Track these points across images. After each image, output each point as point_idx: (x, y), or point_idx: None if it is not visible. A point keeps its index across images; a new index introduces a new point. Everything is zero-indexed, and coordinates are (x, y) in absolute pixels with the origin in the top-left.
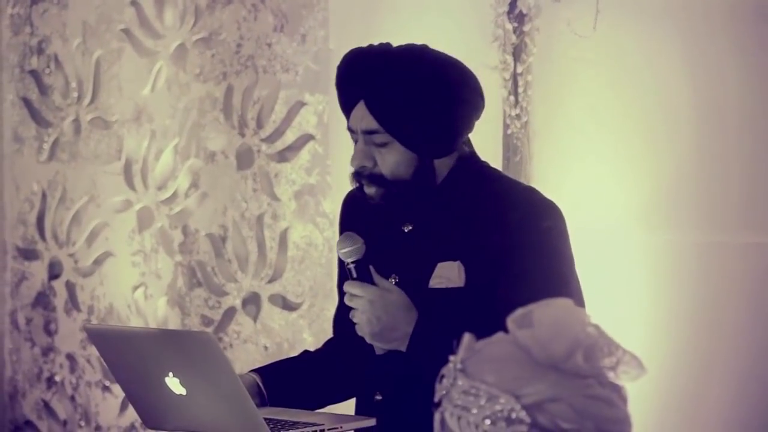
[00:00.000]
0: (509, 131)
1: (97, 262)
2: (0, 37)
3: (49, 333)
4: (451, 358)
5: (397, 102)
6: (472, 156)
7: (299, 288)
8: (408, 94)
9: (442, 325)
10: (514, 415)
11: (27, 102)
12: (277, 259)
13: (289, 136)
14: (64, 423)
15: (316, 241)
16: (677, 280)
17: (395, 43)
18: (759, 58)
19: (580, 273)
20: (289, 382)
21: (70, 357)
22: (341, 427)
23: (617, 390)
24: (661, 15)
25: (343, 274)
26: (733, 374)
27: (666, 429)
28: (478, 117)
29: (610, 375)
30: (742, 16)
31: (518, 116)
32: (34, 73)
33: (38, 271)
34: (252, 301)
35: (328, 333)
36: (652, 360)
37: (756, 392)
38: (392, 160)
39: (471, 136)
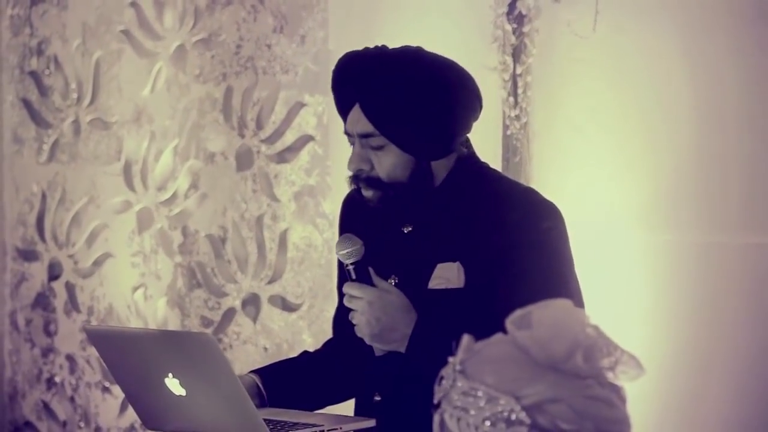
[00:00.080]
0: (509, 132)
1: (97, 263)
2: (0, 38)
3: (49, 334)
4: (451, 359)
5: (392, 105)
6: (472, 157)
7: (299, 289)
8: (403, 96)
9: (441, 326)
10: (513, 416)
11: (27, 103)
12: (276, 260)
13: (289, 137)
14: (64, 424)
15: (316, 242)
16: (677, 281)
17: (394, 44)
18: (758, 58)
19: (580, 273)
20: (288, 383)
21: (70, 358)
22: (341, 428)
23: (616, 390)
24: (661, 16)
25: (343, 275)
26: (732, 374)
27: (665, 429)
28: (475, 118)
29: (609, 375)
30: (742, 17)
31: (518, 117)
32: (34, 74)
33: (38, 272)
34: (252, 302)
35: (328, 334)
36: (652, 360)
37: (755, 392)
38: (389, 162)
39: (470, 136)
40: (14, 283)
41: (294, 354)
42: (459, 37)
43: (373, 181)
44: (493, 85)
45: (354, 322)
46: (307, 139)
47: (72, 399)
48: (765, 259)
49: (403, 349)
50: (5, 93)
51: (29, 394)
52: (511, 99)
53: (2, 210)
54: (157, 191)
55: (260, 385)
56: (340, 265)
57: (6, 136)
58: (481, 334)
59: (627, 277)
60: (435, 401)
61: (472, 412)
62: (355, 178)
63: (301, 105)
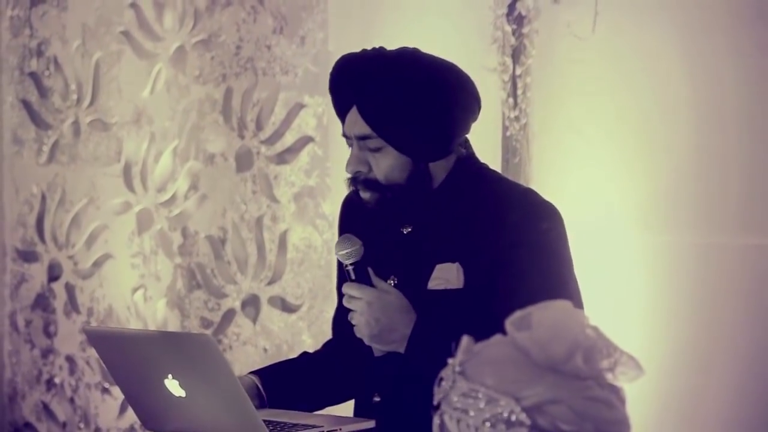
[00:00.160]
0: (508, 133)
1: (97, 264)
2: (0, 39)
3: (49, 335)
4: (450, 360)
5: (389, 107)
6: (471, 158)
7: (298, 290)
8: (400, 98)
9: (440, 326)
10: (513, 417)
11: (26, 104)
12: (276, 261)
13: (289, 138)
14: (64, 425)
15: (316, 243)
16: (676, 281)
17: (394, 45)
18: (757, 59)
19: (579, 274)
20: (288, 383)
21: (70, 359)
22: (340, 429)
23: (616, 391)
24: (660, 17)
25: (342, 276)
26: (731, 375)
27: (665, 430)
28: (474, 119)
29: (609, 376)
30: (740, 17)
31: (517, 118)
32: (34, 76)
33: (38, 273)
34: (251, 303)
35: (328, 335)
36: (651, 361)
37: (755, 393)
38: (386, 164)
39: (470, 137)
40: (14, 284)
41: (294, 355)
42: (458, 38)
43: (370, 183)
44: (493, 86)
45: (353, 322)
46: (306, 140)
47: (72, 400)
48: (764, 260)
49: (402, 350)
50: (5, 94)
51: (29, 395)
52: (511, 100)
53: (2, 211)
54: (156, 192)
55: (260, 386)
56: (340, 265)
57: (6, 137)
58: (480, 334)
59: (626, 277)
60: (435, 402)
61: (472, 414)
62: (353, 180)
63: (301, 106)
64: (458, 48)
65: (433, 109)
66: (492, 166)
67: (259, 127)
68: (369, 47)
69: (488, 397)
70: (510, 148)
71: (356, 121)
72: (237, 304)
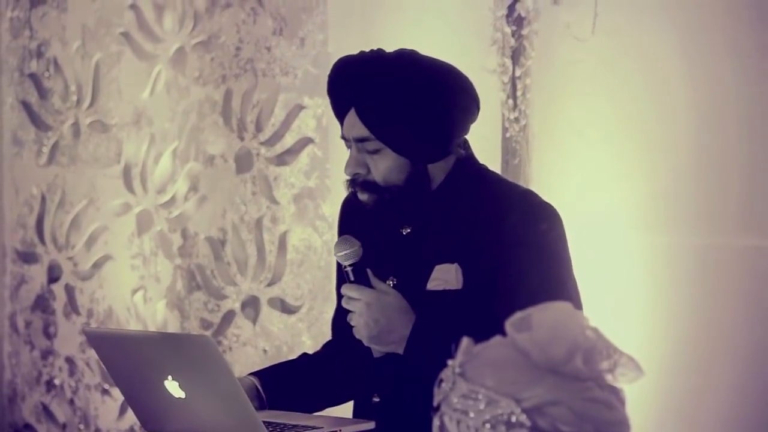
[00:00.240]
0: (508, 134)
1: (97, 265)
2: (0, 41)
3: (49, 336)
4: (450, 362)
5: (387, 109)
6: (470, 159)
7: (298, 291)
8: (398, 100)
9: (439, 327)
10: (513, 419)
11: (26, 105)
12: (276, 263)
13: (288, 140)
14: (64, 426)
15: (315, 245)
16: (675, 282)
17: (394, 47)
18: (756, 60)
19: (579, 275)
20: (287, 385)
21: (70, 360)
22: (340, 430)
23: (616, 392)
24: (659, 18)
25: (342, 277)
26: (731, 376)
27: (665, 431)
28: (472, 121)
29: (609, 378)
30: (740, 18)
31: (517, 119)
32: (34, 77)
33: (37, 274)
34: (251, 305)
35: (327, 336)
36: (651, 362)
37: (754, 394)
38: (384, 166)
39: (470, 139)
40: (14, 286)
41: (293, 356)
42: (458, 40)
43: (369, 185)
44: (493, 88)
45: (352, 323)
46: (306, 141)
47: (71, 401)
48: (763, 261)
49: (401, 351)
50: (5, 95)
51: (29, 397)
52: (510, 101)
53: (2, 212)
54: (156, 194)
55: (259, 388)
56: (339, 266)
57: (6, 138)
58: (479, 335)
59: (626, 278)
60: (434, 404)
61: (472, 415)
62: (352, 182)
63: (301, 107)
64: (458, 49)
65: (431, 111)
66: (492, 168)
67: (258, 128)
68: (368, 49)
69: (488, 399)
70: (509, 150)
71: (354, 124)
72: (237, 306)
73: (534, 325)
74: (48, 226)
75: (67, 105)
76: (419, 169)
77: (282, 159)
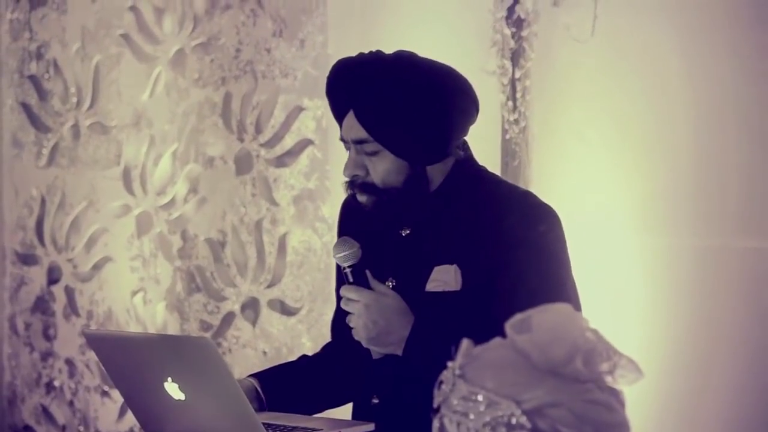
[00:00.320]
0: (508, 136)
1: (96, 267)
2: None
3: (48, 338)
4: (450, 364)
5: (386, 111)
6: (469, 160)
7: (298, 293)
8: (396, 102)
9: (438, 328)
10: (514, 421)
11: (26, 107)
12: (275, 264)
13: (288, 141)
14: (63, 428)
15: (315, 246)
16: (675, 284)
17: (394, 48)
18: (756, 61)
19: (578, 276)
20: (287, 386)
21: (69, 362)
22: None
23: (615, 394)
24: (659, 19)
25: (341, 279)
26: (730, 378)
27: None
28: (471, 123)
29: (608, 379)
30: (739, 20)
31: (516, 121)
32: (34, 79)
33: (37, 276)
34: (251, 306)
35: (327, 337)
36: (650, 364)
37: (753, 395)
38: (383, 168)
39: (469, 141)
40: (13, 287)
41: (293, 358)
42: (458, 42)
43: (368, 187)
44: (492, 89)
45: (351, 325)
46: (306, 143)
47: (71, 403)
48: (762, 262)
49: (400, 352)
50: (5, 97)
51: (28, 399)
52: (510, 103)
53: (1, 214)
54: (156, 195)
55: (259, 389)
56: (339, 268)
57: (5, 140)
58: (477, 336)
59: (625, 280)
60: (434, 406)
61: (472, 417)
62: (351, 184)
63: (301, 109)
64: (457, 51)
65: (430, 113)
66: (491, 169)
67: (258, 130)
68: (368, 50)
69: (488, 401)
70: (509, 151)
71: (353, 125)
72: (236, 307)
73: (534, 327)
74: (48, 227)
75: (67, 107)
76: (418, 170)
77: (282, 161)
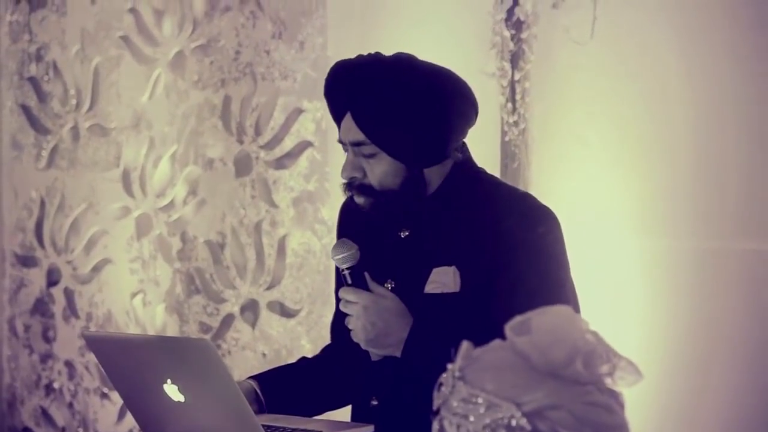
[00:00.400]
0: (507, 138)
1: (96, 269)
2: None
3: (48, 340)
4: (449, 366)
5: (383, 113)
6: (468, 162)
7: (297, 295)
8: (394, 105)
9: (436, 330)
10: (514, 423)
11: (26, 109)
12: (275, 266)
13: (288, 143)
14: (63, 430)
15: (315, 248)
16: (674, 286)
17: (393, 50)
18: (756, 63)
19: (578, 278)
20: (287, 388)
21: (69, 364)
22: None
23: (615, 396)
24: (658, 21)
25: (340, 281)
26: (730, 380)
27: None
28: (470, 126)
29: (608, 381)
30: (739, 22)
31: (516, 123)
32: (33, 80)
33: (37, 278)
34: (250, 308)
35: (326, 339)
36: (649, 366)
37: (753, 397)
38: (380, 170)
39: (469, 143)
40: (13, 289)
41: (293, 360)
42: (457, 44)
43: (365, 189)
44: (492, 91)
45: (349, 327)
46: (305, 145)
47: (71, 405)
48: (762, 265)
49: (398, 354)
50: (4, 99)
51: (28, 401)
52: (510, 105)
53: (1, 216)
54: (155, 197)
55: (258, 391)
56: (338, 270)
57: (5, 141)
58: (476, 338)
59: (624, 282)
60: (434, 408)
61: (472, 419)
62: (348, 186)
63: (300, 111)
64: (457, 53)
65: (428, 116)
66: (491, 171)
67: (258, 132)
68: (367, 52)
69: (488, 403)
70: (509, 153)
71: (350, 128)
72: (236, 309)
73: (534, 329)
74: (47, 229)
75: (67, 108)
76: (415, 173)
77: (281, 162)
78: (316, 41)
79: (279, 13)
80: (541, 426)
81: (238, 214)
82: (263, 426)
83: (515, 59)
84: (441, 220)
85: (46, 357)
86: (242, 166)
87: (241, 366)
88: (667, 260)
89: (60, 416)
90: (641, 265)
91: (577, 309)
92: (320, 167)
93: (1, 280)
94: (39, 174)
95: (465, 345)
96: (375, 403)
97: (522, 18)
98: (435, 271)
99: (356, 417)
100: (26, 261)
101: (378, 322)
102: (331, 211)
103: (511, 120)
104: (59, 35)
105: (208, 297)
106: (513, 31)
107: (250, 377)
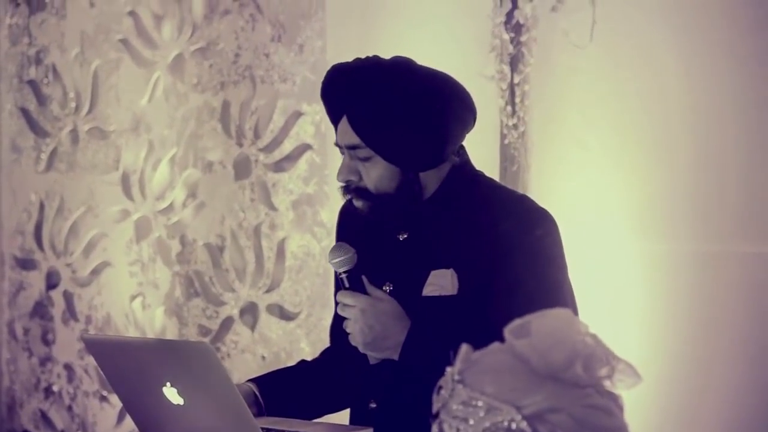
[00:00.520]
0: (506, 141)
1: (95, 272)
2: None
3: (47, 343)
4: (449, 369)
5: (379, 118)
6: (465, 165)
7: (297, 298)
8: (390, 109)
9: (434, 333)
10: (514, 426)
11: (25, 112)
12: (274, 269)
13: (287, 146)
14: None
15: (314, 251)
16: (674, 289)
17: (392, 53)
18: (755, 66)
19: (577, 281)
20: (286, 391)
21: (68, 367)
22: None
23: (614, 399)
24: (658, 24)
25: (339, 284)
26: (729, 383)
27: None
28: (468, 130)
29: (608, 384)
30: (738, 25)
31: (515, 126)
32: (33, 84)
33: (36, 281)
34: (249, 311)
35: (326, 342)
36: (649, 369)
37: (753, 400)
38: (376, 174)
39: (467, 146)
40: (12, 292)
41: (292, 363)
42: (457, 47)
43: (362, 192)
44: (491, 94)
45: (347, 330)
46: (304, 148)
47: (70, 408)
48: (761, 267)
49: (396, 357)
50: (3, 102)
51: (27, 404)
52: (509, 108)
53: (0, 219)
54: (155, 200)
55: (258, 394)
56: (336, 273)
57: (4, 145)
58: (474, 340)
59: (624, 285)
60: (434, 411)
61: (472, 422)
62: (346, 189)
63: (299, 114)
64: (456, 56)
65: (424, 121)
66: (490, 174)
67: (257, 134)
68: (367, 55)
69: (488, 406)
70: (508, 156)
71: (346, 131)
72: (235, 312)
73: (533, 331)
74: (46, 232)
75: (66, 111)
76: (410, 177)
77: (280, 165)
78: (315, 44)
79: (278, 16)
80: (540, 429)
81: (238, 217)
82: (262, 429)
83: (515, 62)
84: (439, 223)
85: (45, 360)
86: (241, 169)
87: (240, 369)
88: (667, 263)
89: (59, 419)
90: (641, 267)
91: (575, 311)
92: (319, 170)
93: (0, 283)
94: (38, 177)
95: (464, 348)
96: (373, 406)
97: (521, 21)
98: (433, 273)
99: (355, 420)
100: (25, 264)
101: (376, 325)
102: (330, 214)
103: (510, 123)
104: (59, 38)
105: (208, 300)
106: (512, 34)
107: (250, 380)
